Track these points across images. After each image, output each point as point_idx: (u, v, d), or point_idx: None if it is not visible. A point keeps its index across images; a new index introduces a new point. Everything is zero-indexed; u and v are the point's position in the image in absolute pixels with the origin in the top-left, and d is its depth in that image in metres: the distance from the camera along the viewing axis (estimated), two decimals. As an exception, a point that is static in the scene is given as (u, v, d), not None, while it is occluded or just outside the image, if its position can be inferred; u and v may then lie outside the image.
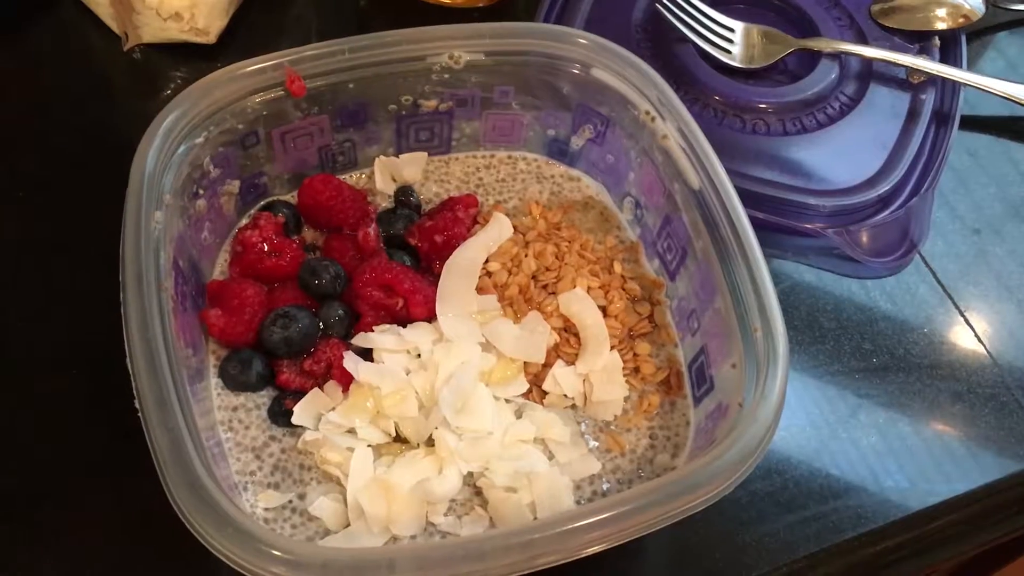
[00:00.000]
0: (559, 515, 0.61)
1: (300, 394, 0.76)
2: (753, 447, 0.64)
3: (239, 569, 0.58)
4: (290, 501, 0.72)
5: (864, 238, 0.94)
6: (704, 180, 0.75)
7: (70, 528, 0.75)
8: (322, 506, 0.71)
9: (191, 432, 0.62)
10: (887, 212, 0.95)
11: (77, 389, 0.81)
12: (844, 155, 1.00)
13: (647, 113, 0.80)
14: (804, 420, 0.86)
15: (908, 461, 0.85)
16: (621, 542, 0.61)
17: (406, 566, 0.58)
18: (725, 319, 0.73)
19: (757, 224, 0.74)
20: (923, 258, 0.97)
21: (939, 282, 0.96)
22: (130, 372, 0.63)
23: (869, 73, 1.05)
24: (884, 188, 0.96)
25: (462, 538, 0.60)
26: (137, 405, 0.63)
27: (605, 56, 0.81)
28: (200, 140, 0.76)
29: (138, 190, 0.69)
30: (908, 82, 1.05)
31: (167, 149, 0.72)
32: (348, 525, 0.71)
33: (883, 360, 0.90)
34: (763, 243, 0.73)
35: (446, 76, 0.83)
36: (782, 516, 0.81)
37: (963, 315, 0.94)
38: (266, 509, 0.72)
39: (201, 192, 0.78)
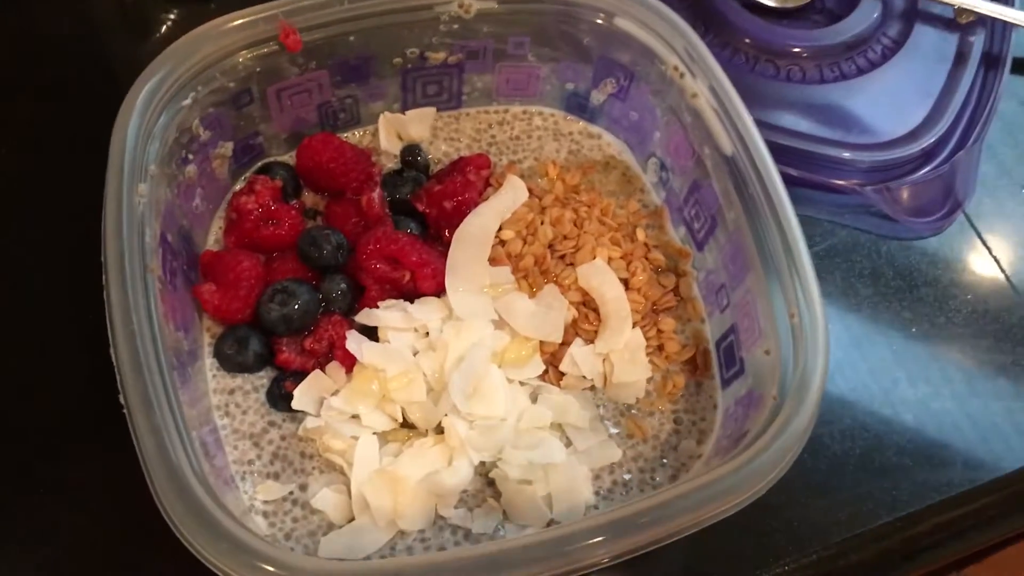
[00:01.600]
0: (584, 524, 0.56)
1: (301, 375, 0.71)
2: (791, 446, 0.59)
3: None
4: (291, 493, 0.68)
5: (905, 196, 0.88)
6: (738, 146, 0.69)
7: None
8: (325, 499, 0.67)
9: (180, 433, 0.58)
10: (930, 167, 0.89)
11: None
12: (885, 104, 0.92)
13: (675, 68, 0.73)
14: (837, 396, 0.80)
15: (949, 440, 0.79)
16: (652, 548, 0.57)
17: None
18: (758, 299, 0.67)
19: (789, 181, 0.69)
20: (968, 217, 0.90)
21: (985, 244, 0.90)
22: (114, 365, 0.59)
23: (914, 12, 0.97)
24: (928, 141, 0.89)
25: (474, 551, 0.55)
26: (122, 401, 0.58)
27: (629, 3, 0.74)
28: (187, 102, 0.69)
29: (119, 164, 0.63)
30: (955, 23, 0.96)
31: (151, 116, 0.66)
32: (352, 519, 0.67)
33: (923, 329, 0.85)
34: (795, 201, 0.67)
35: (455, 26, 0.76)
36: (813, 500, 0.76)
37: (1010, 280, 0.88)
38: (265, 502, 0.68)
39: (191, 157, 0.72)
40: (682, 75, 0.72)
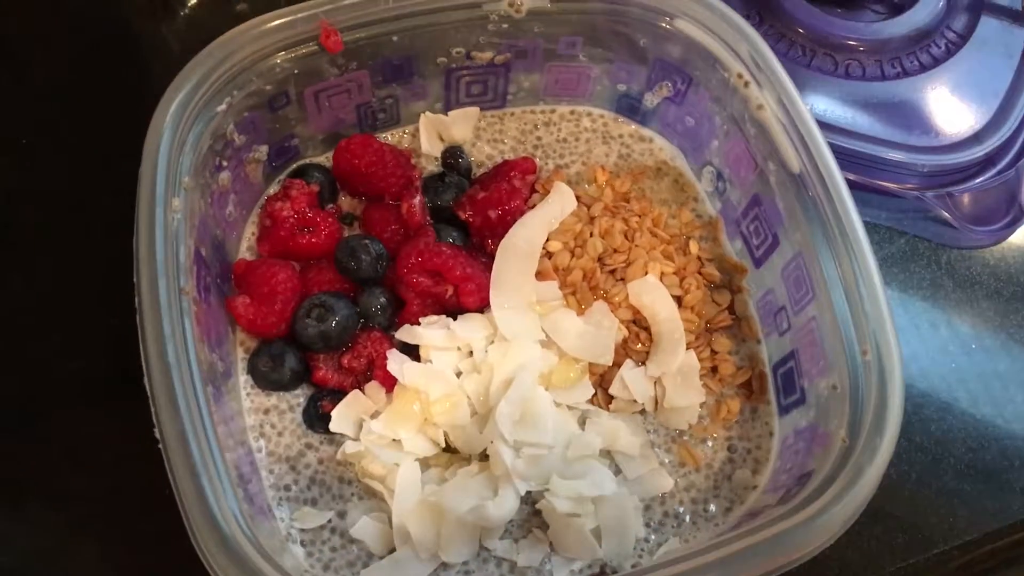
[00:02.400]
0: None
1: (338, 393, 0.68)
2: (865, 496, 0.56)
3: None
4: (329, 521, 0.66)
5: (966, 202, 0.84)
6: (806, 164, 0.64)
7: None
8: (364, 528, 0.65)
9: (216, 468, 0.55)
10: (994, 172, 0.84)
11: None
12: (948, 104, 0.87)
13: (739, 76, 0.68)
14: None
15: (1011, 463, 0.76)
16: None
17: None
18: (824, 329, 0.63)
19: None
20: (1033, 227, 0.86)
21: (1053, 255, 0.86)
22: (148, 396, 0.56)
23: (980, 4, 0.91)
24: (992, 144, 0.84)
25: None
26: (157, 435, 0.55)
27: (691, 5, 0.69)
28: (222, 107, 0.66)
29: (151, 182, 0.59)
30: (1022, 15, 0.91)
31: (183, 126, 0.62)
32: (393, 548, 0.64)
33: (984, 345, 0.81)
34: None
35: (505, 26, 0.72)
36: (866, 527, 0.73)
37: (1080, 294, 0.84)
38: (303, 530, 0.65)
39: (225, 164, 0.69)
40: (747, 84, 0.68)
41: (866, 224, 0.82)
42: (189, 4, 0.92)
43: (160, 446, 0.55)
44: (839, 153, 0.75)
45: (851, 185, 0.75)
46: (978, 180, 0.84)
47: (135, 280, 0.58)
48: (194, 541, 0.53)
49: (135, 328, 0.57)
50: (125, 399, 0.59)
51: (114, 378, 0.66)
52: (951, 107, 0.87)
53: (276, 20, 0.66)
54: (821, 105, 0.85)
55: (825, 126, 0.80)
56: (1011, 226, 0.83)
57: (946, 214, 0.82)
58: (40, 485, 0.71)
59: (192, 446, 0.54)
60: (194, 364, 0.57)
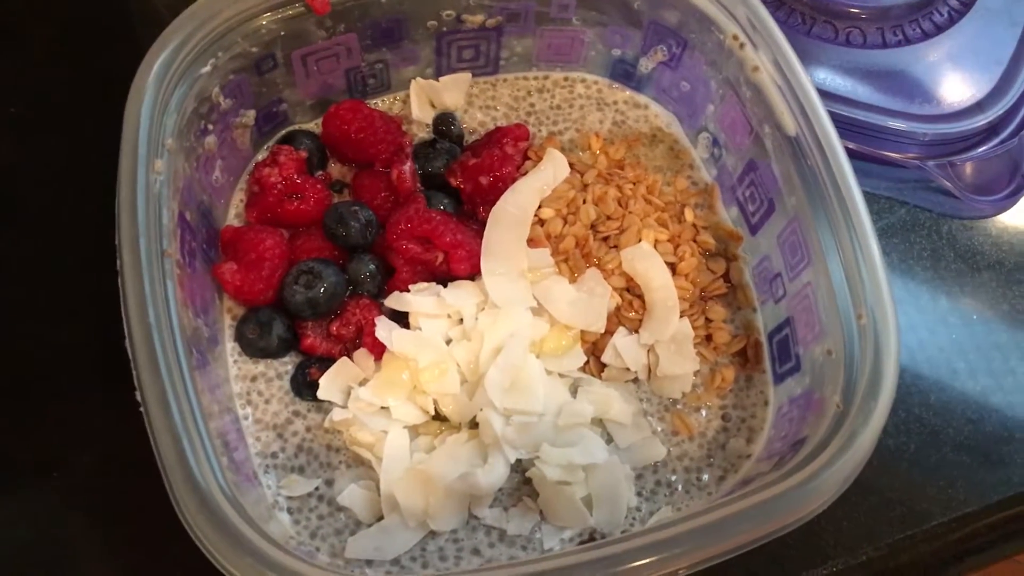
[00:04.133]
0: (636, 542, 0.52)
1: (326, 361, 0.67)
2: (859, 460, 0.55)
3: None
4: (316, 488, 0.65)
5: (968, 172, 0.82)
6: (803, 126, 0.63)
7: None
8: (352, 496, 0.64)
9: (200, 433, 0.54)
10: (996, 142, 0.83)
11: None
12: (950, 72, 0.86)
13: (735, 38, 0.67)
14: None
15: (1010, 435, 0.75)
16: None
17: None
18: (820, 294, 0.62)
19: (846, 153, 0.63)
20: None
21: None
22: (130, 359, 0.55)
23: (984, -29, 0.90)
24: (995, 113, 0.83)
25: (531, 567, 0.51)
26: (139, 398, 0.54)
27: (686, -35, 0.68)
28: (207, 69, 0.64)
29: (133, 141, 0.58)
30: (1028, -19, 0.89)
31: (167, 86, 0.61)
32: (381, 516, 0.63)
33: (985, 316, 0.80)
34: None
35: (496, -13, 0.70)
36: (863, 498, 0.72)
37: (1082, 265, 0.82)
38: (290, 498, 0.64)
39: (210, 128, 0.67)
40: (742, 45, 0.66)
41: (866, 194, 0.81)
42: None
43: (141, 410, 0.54)
44: (839, 122, 0.74)
45: (851, 154, 0.73)
46: (980, 149, 0.82)
47: (116, 241, 0.57)
48: (176, 507, 0.52)
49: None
50: (116, 372, 0.58)
51: (106, 349, 0.65)
52: (953, 75, 0.85)
53: (261, -20, 0.65)
54: (821, 73, 0.84)
55: (825, 95, 0.79)
56: (1013, 196, 0.82)
57: (948, 184, 0.81)
58: (32, 458, 0.71)
59: (173, 408, 0.53)
60: (176, 327, 0.56)
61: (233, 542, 0.51)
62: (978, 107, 0.83)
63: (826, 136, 0.62)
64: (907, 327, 0.78)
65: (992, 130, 0.83)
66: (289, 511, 0.64)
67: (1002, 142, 0.82)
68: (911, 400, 0.76)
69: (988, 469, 0.74)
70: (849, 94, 0.83)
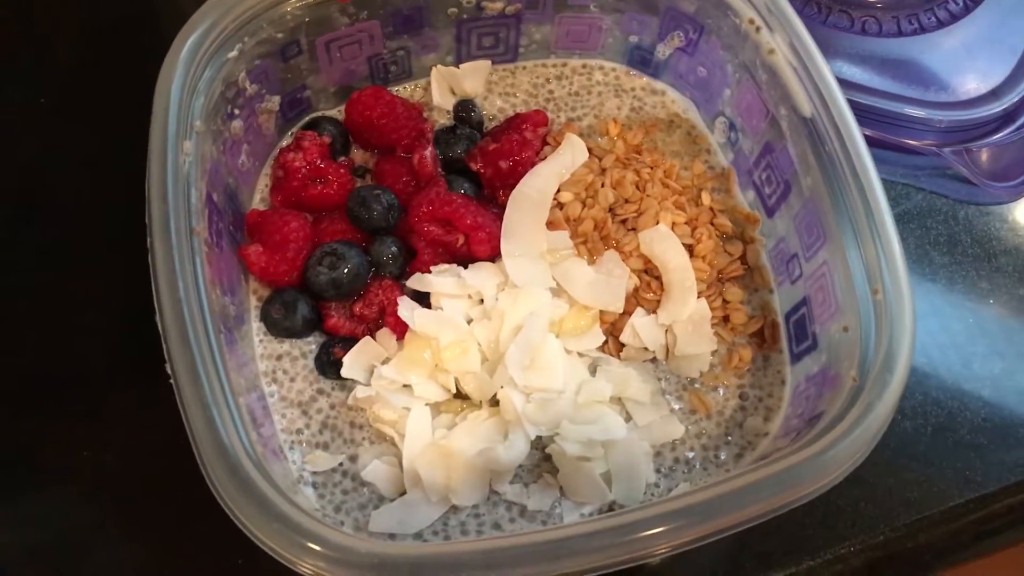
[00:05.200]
0: (653, 511, 0.53)
1: (350, 341, 0.69)
2: (874, 432, 0.55)
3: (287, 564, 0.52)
4: (340, 464, 0.66)
5: (985, 158, 0.83)
6: (818, 107, 0.64)
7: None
8: (376, 471, 0.65)
9: (228, 405, 0.55)
10: (1012, 128, 0.83)
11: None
12: (965, 60, 0.87)
13: (751, 21, 0.68)
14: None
15: (1026, 419, 0.75)
16: (724, 536, 0.54)
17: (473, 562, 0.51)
18: (836, 272, 0.63)
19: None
20: (1052, 183, 0.85)
21: (1070, 211, 0.85)
22: (160, 333, 0.56)
23: (999, -41, 0.90)
24: (1011, 100, 0.83)
25: (534, 538, 0.52)
26: (169, 371, 0.55)
27: (702, -49, 0.69)
28: (234, 54, 0.66)
29: (163, 121, 0.60)
30: (1044, -30, 0.90)
31: (195, 69, 0.62)
32: (404, 492, 0.65)
33: (1001, 301, 0.80)
34: (867, 162, 0.63)
35: (515, -26, 0.72)
36: (881, 479, 0.73)
37: (1098, 250, 0.83)
38: (314, 473, 0.65)
39: (237, 112, 0.69)
40: (758, 29, 0.67)
41: (883, 181, 0.82)
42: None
43: (172, 382, 0.55)
44: (857, 109, 0.75)
45: (868, 141, 0.74)
46: (997, 136, 0.83)
47: (146, 220, 0.59)
48: (206, 475, 0.53)
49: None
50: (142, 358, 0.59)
51: (132, 334, 0.67)
52: (968, 63, 0.86)
53: (286, -34, 0.66)
54: (837, 62, 0.85)
55: (842, 82, 0.79)
56: (1030, 182, 0.82)
57: (964, 171, 0.81)
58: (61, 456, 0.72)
59: (203, 380, 0.54)
60: (205, 303, 0.58)
61: (262, 508, 0.52)
62: (994, 94, 0.84)
63: (842, 116, 0.63)
64: (924, 312, 0.78)
65: (1008, 117, 0.84)
66: (314, 486, 0.65)
67: (1018, 128, 0.83)
68: (928, 383, 0.76)
69: (1005, 451, 0.75)
70: (866, 82, 0.84)
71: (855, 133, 0.63)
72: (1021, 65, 0.85)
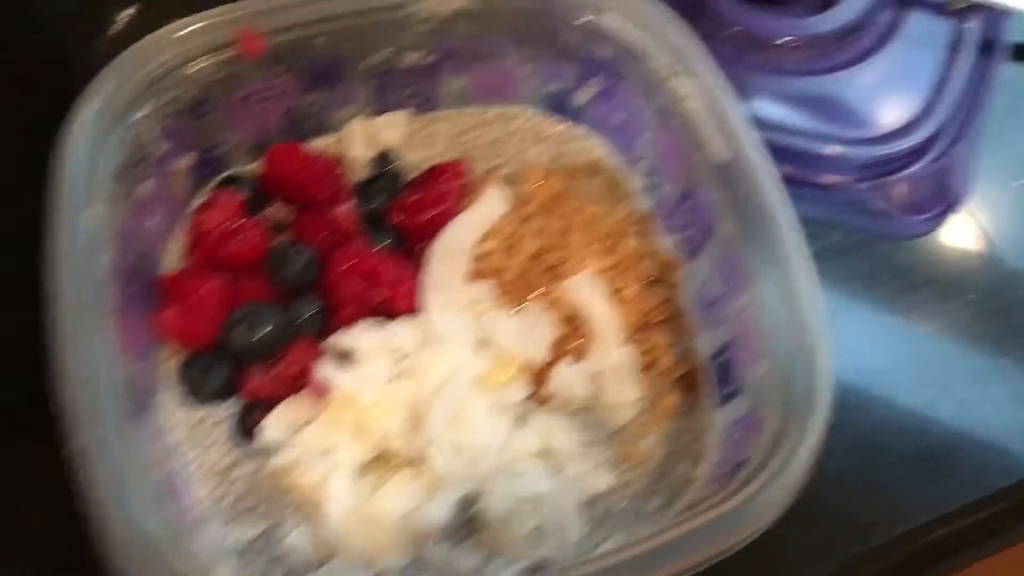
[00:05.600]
0: (580, 570, 0.52)
1: (270, 404, 0.67)
2: (800, 475, 0.56)
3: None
4: (263, 532, 0.64)
5: (900, 192, 0.84)
6: (732, 151, 0.64)
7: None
8: (300, 538, 0.63)
9: (136, 485, 0.53)
10: (926, 161, 0.85)
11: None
12: (879, 96, 0.88)
13: (665, 68, 0.68)
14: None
15: (955, 447, 0.76)
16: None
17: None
18: (756, 315, 0.63)
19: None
20: (967, 213, 0.86)
21: (987, 239, 0.86)
22: (60, 414, 0.54)
23: (907, -1, 0.93)
24: (924, 133, 0.85)
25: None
26: (69, 454, 0.53)
27: (616, -1, 0.69)
28: (140, 115, 0.64)
29: (66, 186, 0.58)
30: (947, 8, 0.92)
31: (99, 133, 0.61)
32: (330, 557, 0.63)
33: (924, 332, 0.81)
34: (784, 201, 0.63)
35: (430, 26, 0.71)
36: (813, 520, 0.72)
37: (1015, 276, 0.84)
38: (236, 543, 0.63)
39: (148, 173, 0.67)
40: (674, 75, 0.68)
41: (802, 218, 0.82)
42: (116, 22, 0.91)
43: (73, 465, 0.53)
44: (775, 148, 0.76)
45: (788, 180, 0.75)
46: (911, 169, 0.85)
47: (48, 293, 0.56)
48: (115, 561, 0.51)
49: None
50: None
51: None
52: (884, 98, 0.88)
53: (196, 24, 0.65)
54: (755, 102, 0.86)
55: (761, 123, 0.80)
56: (944, 213, 0.84)
57: (881, 204, 0.82)
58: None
59: (102, 466, 0.52)
60: (110, 377, 0.56)
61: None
62: (908, 128, 0.86)
63: (756, 160, 0.63)
64: (847, 347, 0.78)
65: (922, 150, 0.85)
66: (238, 555, 0.63)
67: (933, 161, 0.85)
68: (856, 419, 0.76)
69: (935, 482, 0.75)
70: (781, 121, 0.85)
71: (770, 175, 0.63)
72: (931, 100, 0.87)
